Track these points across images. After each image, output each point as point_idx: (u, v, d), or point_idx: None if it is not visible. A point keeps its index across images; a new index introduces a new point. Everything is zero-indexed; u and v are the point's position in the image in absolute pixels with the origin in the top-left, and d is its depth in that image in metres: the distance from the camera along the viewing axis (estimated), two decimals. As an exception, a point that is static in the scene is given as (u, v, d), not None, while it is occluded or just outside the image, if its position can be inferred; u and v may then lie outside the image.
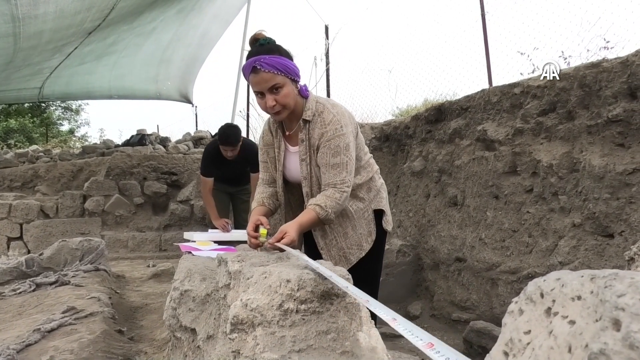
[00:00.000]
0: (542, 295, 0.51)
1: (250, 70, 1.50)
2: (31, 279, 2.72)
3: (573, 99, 2.54)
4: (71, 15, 4.32)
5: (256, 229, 1.52)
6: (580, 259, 2.38)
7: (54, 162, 6.67)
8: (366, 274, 1.73)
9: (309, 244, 1.79)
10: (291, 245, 1.34)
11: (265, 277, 1.04)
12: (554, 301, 0.49)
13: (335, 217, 1.52)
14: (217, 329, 1.20)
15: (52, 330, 1.86)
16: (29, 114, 17.35)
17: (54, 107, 19.64)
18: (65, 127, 20.50)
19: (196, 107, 10.48)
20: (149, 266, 4.69)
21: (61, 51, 5.75)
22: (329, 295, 1.01)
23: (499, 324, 2.41)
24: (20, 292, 2.55)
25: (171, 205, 6.20)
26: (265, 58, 1.47)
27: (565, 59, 3.99)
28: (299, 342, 0.94)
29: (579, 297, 0.46)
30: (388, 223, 1.81)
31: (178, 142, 8.27)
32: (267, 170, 1.79)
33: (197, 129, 9.71)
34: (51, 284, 2.64)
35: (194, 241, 2.40)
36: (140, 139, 7.67)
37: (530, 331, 0.51)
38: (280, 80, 1.50)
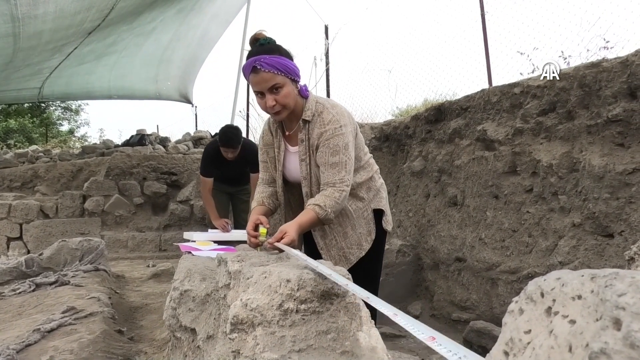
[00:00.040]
0: (542, 295, 0.51)
1: (250, 70, 1.50)
2: (31, 279, 2.72)
3: (573, 98, 2.54)
4: (71, 15, 4.32)
5: (256, 228, 1.52)
6: (580, 258, 2.38)
7: (54, 162, 6.67)
8: (366, 274, 1.73)
9: (309, 244, 1.79)
10: (291, 245, 1.34)
11: (265, 277, 1.04)
12: (554, 300, 0.49)
13: (334, 217, 1.52)
14: (217, 329, 1.20)
15: (52, 330, 1.86)
16: (29, 114, 17.35)
17: (54, 107, 19.64)
18: (65, 127, 20.52)
19: (196, 107, 10.49)
20: (148, 266, 4.69)
21: (61, 51, 5.75)
22: (329, 295, 1.01)
23: (498, 324, 2.41)
24: (20, 292, 2.55)
25: (171, 205, 6.20)
26: (266, 58, 1.47)
27: (565, 58, 3.99)
28: (299, 342, 0.94)
29: (580, 297, 0.46)
30: (388, 223, 1.81)
31: (178, 142, 8.28)
32: (267, 170, 1.79)
33: (196, 129, 9.71)
34: (51, 284, 2.64)
35: (194, 241, 2.40)
36: (140, 139, 7.67)
37: (530, 331, 0.51)
38: (280, 80, 1.50)
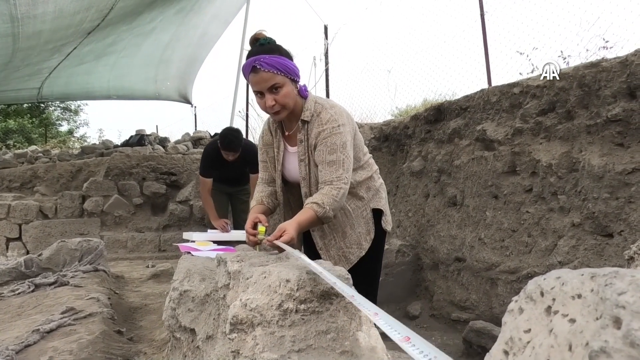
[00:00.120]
0: (542, 294, 0.51)
1: (250, 70, 1.49)
2: (30, 280, 2.71)
3: (572, 98, 2.54)
4: (70, 15, 4.32)
5: (255, 226, 1.52)
6: (580, 258, 2.38)
7: (53, 163, 6.67)
8: (366, 274, 1.73)
9: (308, 244, 1.79)
10: (290, 243, 1.33)
11: (265, 277, 1.04)
12: (554, 300, 0.49)
13: (333, 215, 1.51)
14: (216, 329, 1.20)
15: (51, 330, 1.86)
16: (28, 115, 17.34)
17: (53, 108, 19.63)
18: (64, 127, 20.50)
19: (195, 107, 10.49)
20: (148, 266, 4.69)
21: (60, 51, 5.75)
22: (328, 295, 1.01)
23: (498, 324, 2.41)
24: (19, 293, 2.54)
25: (170, 205, 6.20)
26: (265, 58, 1.47)
27: (565, 58, 4.00)
28: (298, 342, 0.94)
29: (580, 296, 0.46)
30: (387, 223, 1.81)
31: (177, 142, 8.28)
32: (266, 170, 1.79)
33: (196, 129, 9.71)
34: (50, 284, 2.64)
35: (193, 241, 2.40)
36: (139, 139, 7.68)
37: (530, 330, 0.51)
38: (279, 80, 1.50)
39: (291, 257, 1.24)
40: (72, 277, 2.75)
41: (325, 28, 6.54)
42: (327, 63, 6.41)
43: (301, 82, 1.62)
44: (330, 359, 0.92)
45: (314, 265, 1.04)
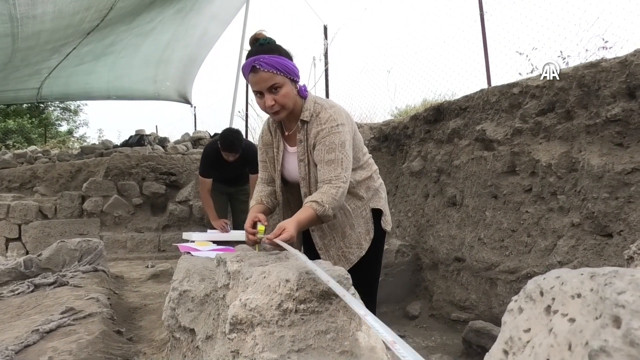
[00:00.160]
0: (541, 294, 0.51)
1: (249, 70, 1.49)
2: (30, 280, 2.71)
3: (572, 98, 2.55)
4: (69, 15, 4.32)
5: (254, 225, 1.52)
6: (579, 258, 2.38)
7: (53, 163, 6.67)
8: (365, 274, 1.73)
9: (308, 245, 1.79)
10: (289, 241, 1.33)
11: (264, 277, 1.04)
12: (553, 299, 0.49)
13: (333, 214, 1.51)
14: (216, 329, 1.20)
15: (51, 331, 1.86)
16: (28, 115, 17.33)
17: (53, 108, 19.62)
18: (63, 127, 20.49)
19: (195, 107, 10.49)
20: (147, 267, 4.68)
21: (59, 51, 5.75)
22: (328, 294, 1.01)
23: (498, 324, 2.41)
24: (18, 293, 2.54)
25: (170, 205, 6.19)
26: (265, 57, 1.47)
27: (564, 59, 4.00)
28: (298, 341, 0.94)
29: (579, 295, 0.46)
30: (387, 223, 1.80)
31: (177, 142, 8.28)
32: (266, 170, 1.79)
33: (195, 129, 9.71)
34: (50, 284, 2.63)
35: (193, 241, 2.40)
36: (139, 139, 7.68)
37: (530, 329, 0.51)
38: (279, 80, 1.50)
39: (291, 257, 1.24)
40: (71, 277, 2.75)
41: (325, 28, 6.54)
42: (326, 63, 6.41)
43: (301, 82, 1.62)
44: (329, 359, 0.92)
45: (309, 262, 1.04)
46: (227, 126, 6.09)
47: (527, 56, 4.46)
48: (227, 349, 0.98)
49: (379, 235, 1.77)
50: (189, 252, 2.06)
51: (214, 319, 1.24)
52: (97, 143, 9.26)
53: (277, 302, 0.98)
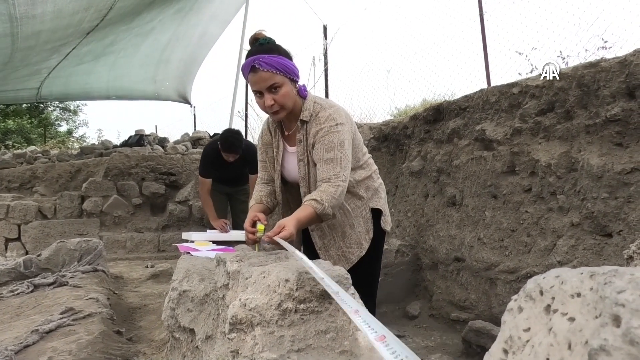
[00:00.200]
0: (541, 293, 0.51)
1: (249, 70, 1.49)
2: (29, 280, 2.71)
3: (571, 98, 2.55)
4: (69, 15, 4.32)
5: (253, 224, 1.52)
6: (579, 258, 2.38)
7: (52, 163, 6.66)
8: (365, 274, 1.73)
9: (307, 244, 1.79)
10: (289, 239, 1.33)
11: (264, 277, 1.04)
12: (553, 298, 0.49)
13: (333, 212, 1.51)
14: (215, 329, 1.20)
15: (51, 331, 1.86)
16: (27, 115, 17.32)
17: (52, 108, 19.61)
18: (63, 127, 20.48)
19: (194, 107, 10.48)
20: (147, 267, 4.68)
21: (59, 51, 5.74)
22: (327, 294, 1.01)
23: (497, 324, 2.41)
24: (18, 293, 2.54)
25: (169, 205, 6.19)
26: (265, 57, 1.47)
27: (564, 59, 4.00)
28: (297, 341, 0.94)
29: (579, 294, 0.46)
30: (387, 223, 1.80)
31: (176, 142, 8.28)
32: (265, 170, 1.79)
33: (195, 129, 9.70)
34: (49, 284, 2.63)
35: (193, 241, 2.40)
36: (138, 139, 7.67)
37: (529, 328, 0.51)
38: (279, 80, 1.50)
39: (291, 257, 1.24)
40: (71, 277, 2.75)
41: (325, 28, 6.54)
42: (326, 63, 6.41)
43: (300, 82, 1.62)
44: (329, 359, 0.92)
45: (306, 260, 1.04)
46: (227, 126, 6.09)
47: (526, 56, 4.46)
48: (227, 349, 0.98)
49: (379, 235, 1.78)
50: (188, 252, 2.06)
51: (213, 319, 1.24)
52: (96, 143, 9.25)
53: (276, 302, 0.98)
